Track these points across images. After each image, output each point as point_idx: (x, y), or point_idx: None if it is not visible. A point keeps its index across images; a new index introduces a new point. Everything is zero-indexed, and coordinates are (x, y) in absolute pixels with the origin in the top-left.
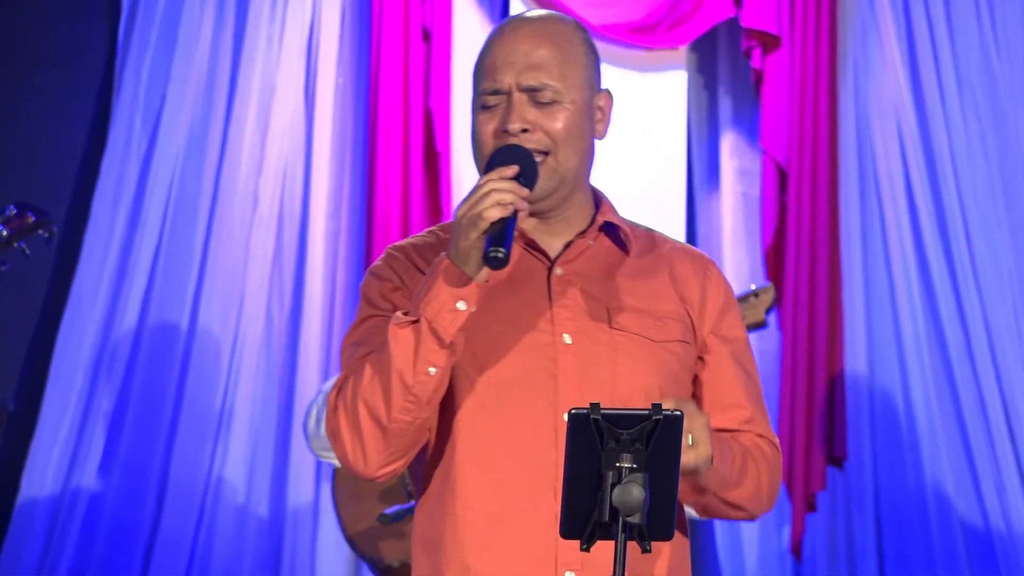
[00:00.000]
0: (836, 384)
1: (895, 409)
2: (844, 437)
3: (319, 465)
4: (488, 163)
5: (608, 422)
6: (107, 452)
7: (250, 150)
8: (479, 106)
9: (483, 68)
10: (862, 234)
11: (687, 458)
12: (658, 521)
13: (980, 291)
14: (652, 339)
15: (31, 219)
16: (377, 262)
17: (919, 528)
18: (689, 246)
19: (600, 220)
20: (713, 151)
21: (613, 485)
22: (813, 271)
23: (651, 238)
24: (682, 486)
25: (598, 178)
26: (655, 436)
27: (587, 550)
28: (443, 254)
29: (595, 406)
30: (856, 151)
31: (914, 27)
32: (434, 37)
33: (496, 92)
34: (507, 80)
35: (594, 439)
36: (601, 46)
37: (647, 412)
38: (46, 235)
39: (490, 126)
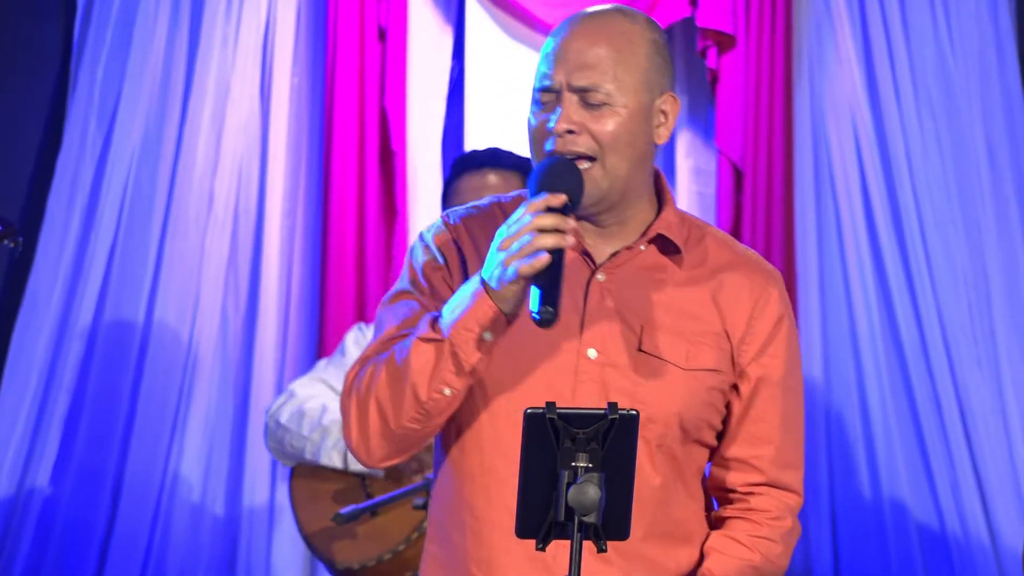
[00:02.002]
0: None
1: (850, 409)
2: None
3: (275, 464)
4: (533, 176)
5: (564, 421)
6: (62, 451)
7: (205, 149)
8: (534, 101)
9: (541, 61)
10: (817, 233)
11: None
12: (614, 521)
13: (935, 290)
14: (680, 366)
15: None
16: (426, 229)
17: (874, 530)
18: (755, 256)
19: (653, 232)
20: (668, 150)
21: (569, 485)
22: None
23: (717, 245)
24: None
25: None
26: (611, 436)
27: (542, 550)
28: (480, 275)
29: (551, 405)
30: (811, 150)
31: (869, 26)
32: (389, 37)
33: (548, 89)
34: (558, 78)
35: (550, 438)
36: None
37: (603, 411)
38: (11, 245)
39: (543, 133)
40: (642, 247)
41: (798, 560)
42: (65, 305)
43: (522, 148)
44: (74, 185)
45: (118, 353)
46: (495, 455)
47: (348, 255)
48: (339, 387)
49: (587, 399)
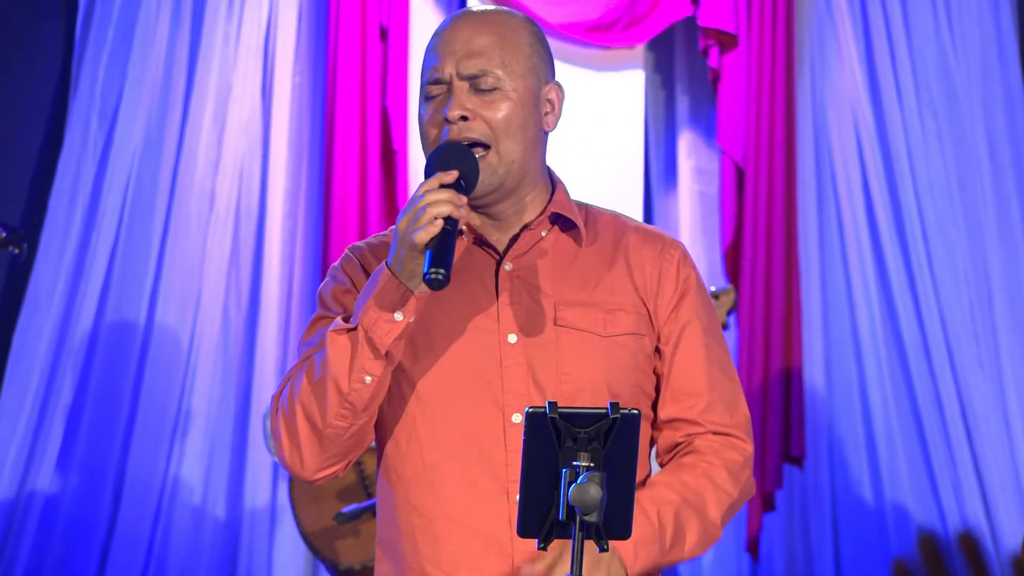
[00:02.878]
0: (793, 383)
1: (852, 408)
2: (802, 436)
3: (276, 465)
4: (428, 162)
5: (565, 420)
6: (64, 451)
7: (207, 149)
8: (423, 98)
9: (426, 59)
10: (819, 232)
11: None
12: (615, 520)
13: (936, 289)
14: (599, 334)
15: (2, 234)
16: (336, 263)
17: (876, 527)
18: (653, 229)
19: (549, 211)
20: (670, 150)
21: (570, 484)
22: (770, 270)
23: (613, 223)
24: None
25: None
26: (612, 435)
27: (544, 549)
28: (384, 263)
29: (552, 404)
30: (813, 149)
31: (871, 26)
32: (391, 36)
33: (437, 82)
34: (447, 69)
35: (551, 437)
36: (558, 45)
37: (604, 411)
38: (16, 251)
39: (434, 126)
40: (543, 232)
41: (799, 560)
42: (66, 304)
43: None
44: (75, 184)
45: (119, 353)
46: (435, 452)
47: None
48: None
49: (515, 382)
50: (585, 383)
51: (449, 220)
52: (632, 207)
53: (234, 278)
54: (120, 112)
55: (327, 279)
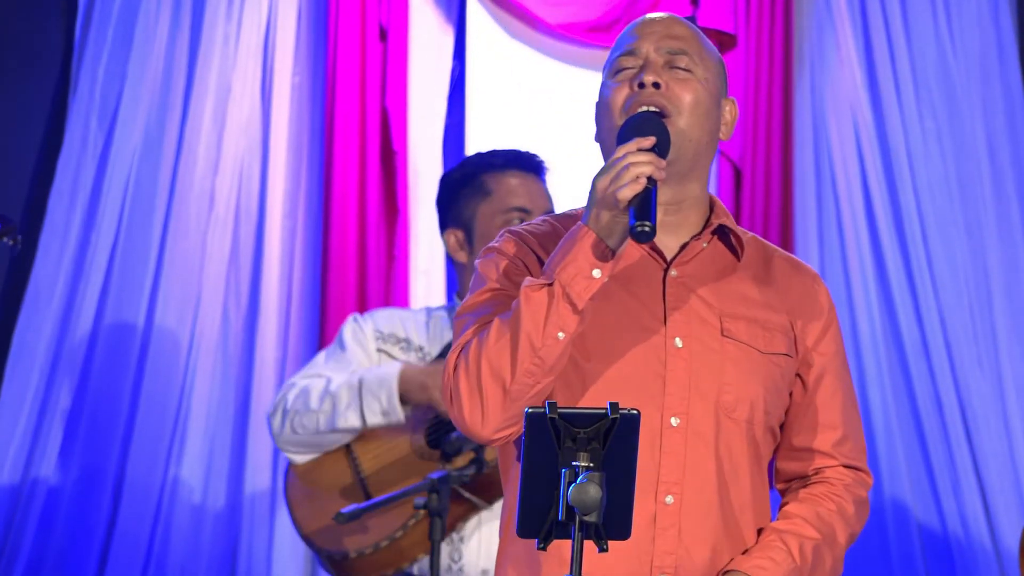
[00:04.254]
0: None
1: None
2: None
3: (275, 463)
4: (622, 131)
5: (565, 421)
6: (64, 450)
7: (206, 149)
8: (612, 72)
9: (619, 44)
10: (818, 233)
11: None
12: (615, 520)
13: (936, 289)
14: (760, 350)
15: None
16: (497, 242)
17: (875, 526)
18: (797, 259)
19: (715, 222)
20: None
21: (570, 484)
22: None
23: (761, 246)
24: None
25: (555, 177)
26: (612, 435)
27: (544, 549)
28: (579, 223)
29: (552, 404)
30: (812, 149)
31: (870, 25)
32: (390, 36)
33: (632, 54)
34: (646, 46)
35: (551, 438)
36: (558, 45)
37: (604, 411)
38: (11, 243)
39: (621, 94)
40: (704, 244)
41: None
42: (66, 304)
43: (525, 147)
44: (75, 184)
45: (119, 352)
46: None
47: (349, 255)
48: (338, 379)
49: (677, 385)
50: (744, 396)
51: (650, 180)
52: None
53: (233, 278)
54: (120, 112)
55: (491, 257)
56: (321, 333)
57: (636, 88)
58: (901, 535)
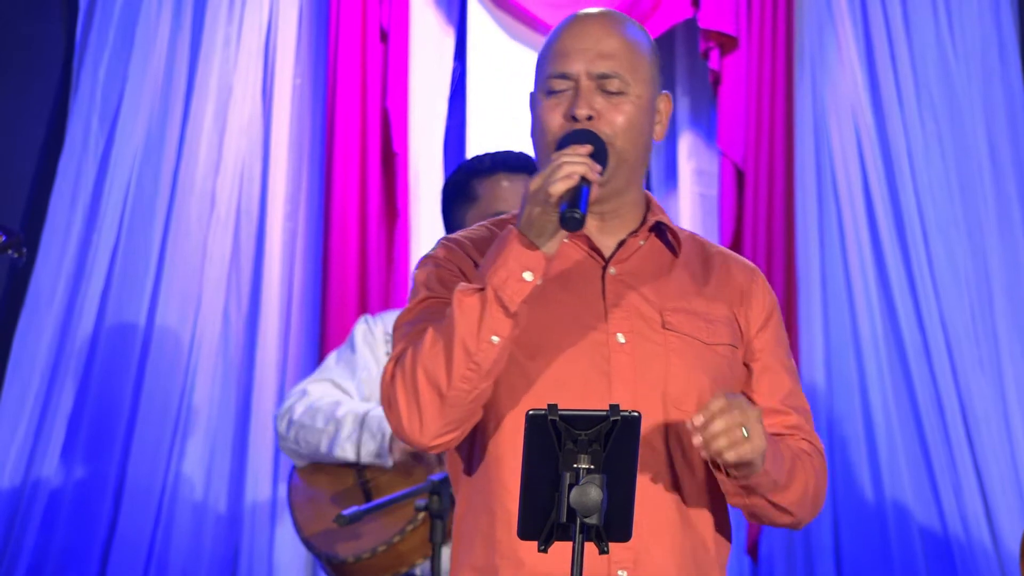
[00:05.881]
0: None
1: (852, 411)
2: None
3: (277, 464)
4: (561, 142)
5: (566, 423)
6: (65, 451)
7: (207, 150)
8: (545, 91)
9: (551, 54)
10: (819, 234)
11: (742, 450)
12: (616, 522)
13: (937, 292)
14: (703, 341)
15: (1, 239)
16: (433, 250)
17: (876, 530)
18: (735, 254)
19: (651, 220)
20: (671, 152)
21: (571, 486)
22: (770, 272)
23: (698, 243)
24: (730, 487)
25: None
26: (613, 437)
27: (544, 551)
28: (510, 226)
29: (552, 407)
30: (813, 152)
31: (871, 27)
32: (391, 38)
33: (564, 76)
34: (577, 66)
35: (552, 440)
36: None
37: (605, 413)
38: (15, 255)
39: (557, 112)
40: (641, 241)
41: (799, 563)
42: (67, 305)
43: (526, 148)
44: (76, 186)
45: (120, 353)
46: None
47: (350, 256)
48: (346, 386)
49: (623, 380)
50: (691, 387)
51: (583, 180)
52: None
53: (234, 279)
54: (121, 113)
55: (426, 265)
56: (322, 334)
57: (570, 119)
58: (902, 537)
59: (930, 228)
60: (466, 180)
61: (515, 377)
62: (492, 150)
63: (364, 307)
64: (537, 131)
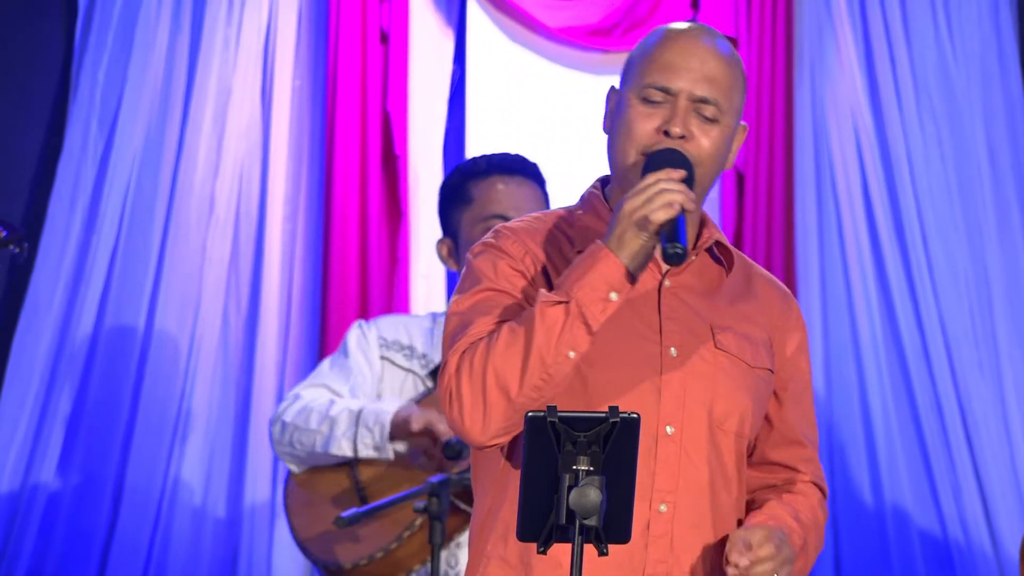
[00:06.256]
0: None
1: (852, 413)
2: None
3: (276, 467)
4: (650, 160)
5: (565, 424)
6: (64, 455)
7: (207, 153)
8: (641, 97)
9: (654, 62)
10: (818, 236)
11: None
12: (615, 524)
13: (937, 295)
14: (748, 363)
15: (2, 234)
16: (490, 238)
17: (876, 533)
18: (773, 276)
19: (706, 235)
20: None
21: (570, 488)
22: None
23: (743, 261)
24: None
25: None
26: (612, 439)
27: (544, 552)
28: (599, 241)
29: (552, 408)
30: (813, 154)
31: (870, 29)
32: (391, 40)
33: (666, 90)
34: (680, 84)
35: (551, 441)
36: (558, 49)
37: (604, 415)
38: (17, 250)
39: (650, 122)
40: (694, 256)
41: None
42: (66, 308)
43: (525, 151)
44: (75, 188)
45: (119, 356)
46: None
47: (350, 259)
48: (340, 390)
49: (673, 394)
50: (734, 408)
51: (681, 209)
52: None
53: (234, 282)
54: (120, 116)
55: (485, 253)
56: (322, 337)
57: (663, 133)
58: (901, 540)
59: (929, 231)
60: (461, 182)
61: (574, 382)
62: (488, 152)
63: (365, 310)
64: (622, 132)
